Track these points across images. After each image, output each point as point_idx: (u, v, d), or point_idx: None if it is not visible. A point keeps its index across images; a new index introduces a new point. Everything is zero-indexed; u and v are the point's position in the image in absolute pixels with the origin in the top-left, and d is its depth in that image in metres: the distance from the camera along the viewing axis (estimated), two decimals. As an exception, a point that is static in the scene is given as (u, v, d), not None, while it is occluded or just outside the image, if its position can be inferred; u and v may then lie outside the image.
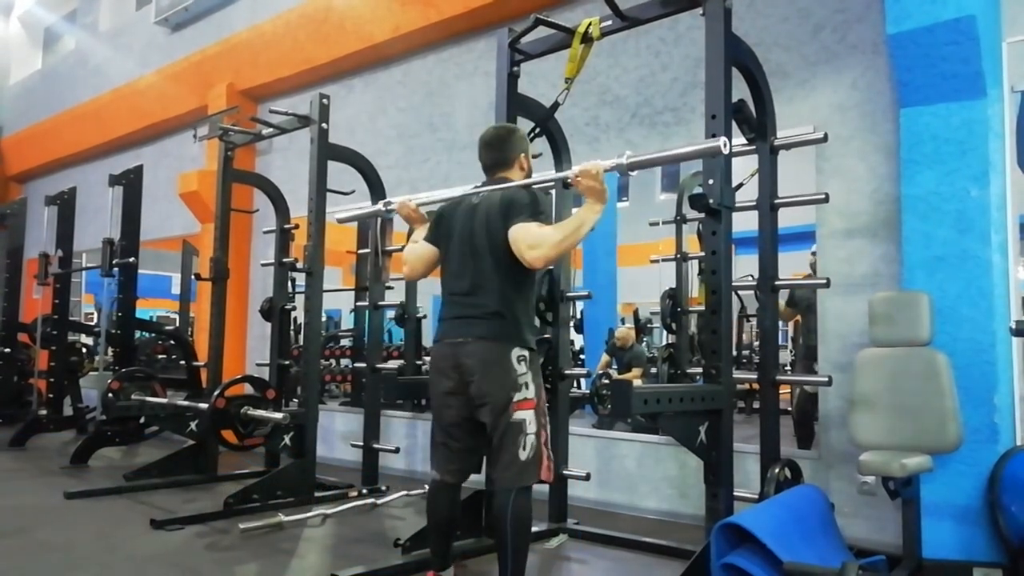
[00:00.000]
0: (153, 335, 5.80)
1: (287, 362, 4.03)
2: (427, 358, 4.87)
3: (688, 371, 3.71)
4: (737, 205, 2.32)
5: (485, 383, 1.92)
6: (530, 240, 1.88)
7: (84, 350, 5.46)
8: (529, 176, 2.16)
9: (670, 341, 4.06)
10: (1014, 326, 2.07)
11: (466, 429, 2.01)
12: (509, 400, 1.90)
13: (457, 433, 2.02)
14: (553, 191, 3.13)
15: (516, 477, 1.89)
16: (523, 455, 1.89)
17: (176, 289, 6.97)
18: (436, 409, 2.05)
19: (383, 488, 3.54)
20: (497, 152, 2.11)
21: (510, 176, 2.09)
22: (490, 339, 1.93)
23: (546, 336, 2.88)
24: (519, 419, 1.90)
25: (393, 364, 3.93)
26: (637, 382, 3.06)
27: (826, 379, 2.45)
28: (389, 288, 3.87)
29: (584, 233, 1.89)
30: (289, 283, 4.23)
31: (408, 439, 4.10)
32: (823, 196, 2.48)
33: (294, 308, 4.18)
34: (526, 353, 1.96)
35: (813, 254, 2.96)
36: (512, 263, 1.94)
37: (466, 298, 2.00)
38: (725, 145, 1.77)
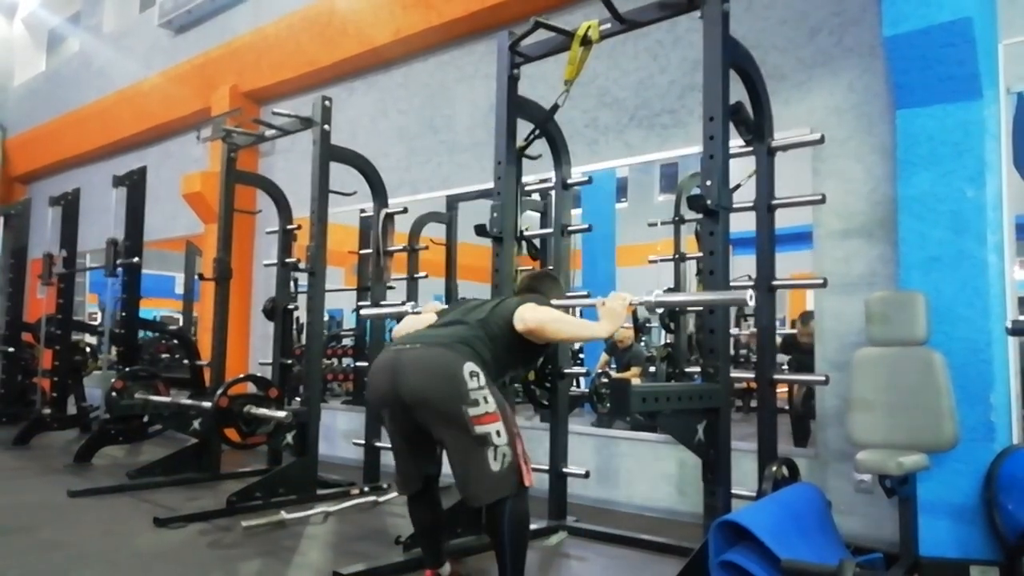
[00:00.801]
0: (157, 334, 5.82)
1: (289, 361, 4.06)
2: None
3: (686, 370, 3.73)
4: (735, 206, 2.34)
5: (421, 381, 1.81)
6: (537, 307, 1.97)
7: (88, 349, 5.49)
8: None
9: (668, 341, 4.08)
10: (1010, 325, 2.09)
11: (413, 438, 1.94)
12: (460, 414, 1.78)
13: (400, 443, 1.98)
14: (553, 192, 3.15)
15: (492, 490, 1.81)
16: (495, 466, 1.80)
17: (180, 289, 6.99)
18: (384, 423, 2.01)
19: (384, 486, 3.56)
20: (538, 285, 2.25)
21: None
22: (439, 347, 1.85)
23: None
24: (483, 432, 1.79)
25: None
26: (635, 381, 3.08)
27: (823, 378, 2.47)
28: (390, 288, 3.89)
29: (581, 336, 2.03)
30: (291, 283, 4.26)
31: (409, 438, 4.12)
32: (820, 197, 2.50)
33: (296, 308, 4.21)
34: (479, 371, 1.83)
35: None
36: (507, 331, 1.94)
37: (436, 327, 2.00)
38: (751, 297, 1.87)
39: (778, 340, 2.85)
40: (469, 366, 1.83)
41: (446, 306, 2.27)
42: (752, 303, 1.87)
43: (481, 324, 1.96)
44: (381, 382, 1.89)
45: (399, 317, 4.17)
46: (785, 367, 3.40)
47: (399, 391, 1.84)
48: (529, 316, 1.93)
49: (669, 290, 3.76)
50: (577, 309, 2.22)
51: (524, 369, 2.25)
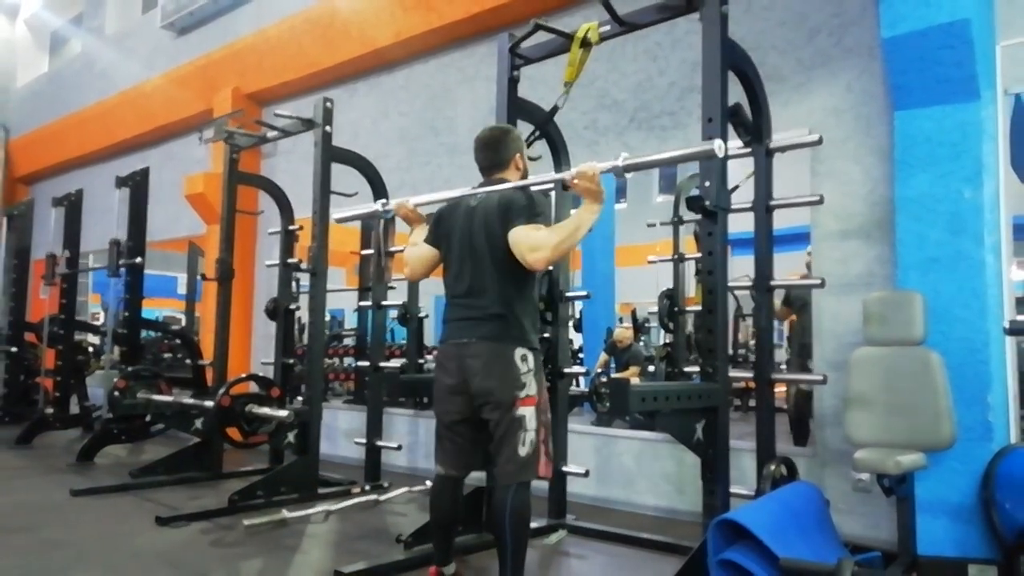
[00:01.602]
0: (159, 334, 5.84)
1: (291, 361, 4.07)
2: (429, 357, 4.93)
3: (685, 370, 3.74)
4: (733, 207, 2.35)
5: (488, 381, 1.94)
6: (530, 243, 1.91)
7: (91, 349, 5.52)
8: (525, 176, 2.19)
9: (667, 340, 4.09)
10: (1007, 326, 2.10)
11: (468, 426, 2.04)
12: (513, 398, 1.93)
13: (460, 429, 2.05)
14: (552, 193, 3.17)
15: (516, 472, 1.92)
16: (522, 451, 1.91)
17: (182, 289, 7.02)
18: (440, 406, 2.08)
19: (385, 485, 3.57)
20: (493, 153, 2.13)
21: (507, 177, 2.12)
22: (493, 339, 1.96)
23: (546, 335, 2.92)
24: (520, 415, 1.92)
25: (395, 363, 3.97)
26: (635, 380, 3.09)
27: (821, 377, 2.48)
28: (391, 288, 3.91)
29: (582, 234, 1.92)
30: (293, 283, 4.28)
31: (410, 436, 4.14)
32: (818, 198, 2.51)
33: (298, 308, 4.22)
34: (528, 352, 1.98)
35: (809, 254, 2.99)
36: (512, 265, 1.97)
37: (467, 299, 2.03)
38: (720, 148, 1.79)
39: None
40: (519, 351, 1.96)
41: (416, 201, 2.27)
42: (720, 153, 1.79)
43: (496, 281, 1.98)
44: (451, 374, 2.01)
45: (403, 312, 4.17)
46: (784, 367, 3.41)
47: (472, 388, 1.98)
48: (532, 259, 1.90)
49: (668, 290, 3.78)
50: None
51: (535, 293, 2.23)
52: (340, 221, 2.62)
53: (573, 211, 2.99)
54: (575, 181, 1.89)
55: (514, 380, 1.94)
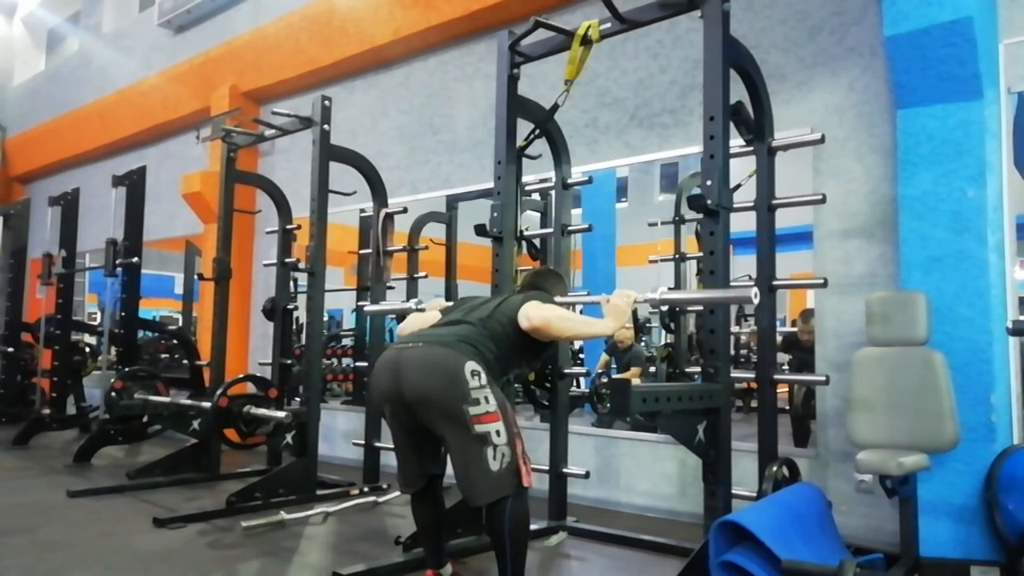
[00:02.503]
0: (156, 335, 5.82)
1: (289, 361, 4.05)
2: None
3: (687, 370, 3.72)
4: (735, 206, 2.34)
5: (422, 380, 1.81)
6: (541, 304, 1.96)
7: (87, 349, 5.50)
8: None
9: (669, 341, 4.08)
10: (1011, 326, 2.09)
11: (415, 436, 1.94)
12: (460, 412, 1.78)
13: (403, 442, 1.97)
14: (553, 192, 3.15)
15: (492, 490, 1.80)
16: (494, 466, 1.79)
17: (179, 289, 6.99)
18: (387, 421, 2.00)
19: (384, 486, 3.56)
20: (541, 281, 2.28)
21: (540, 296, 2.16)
22: (441, 345, 1.85)
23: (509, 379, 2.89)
24: (483, 431, 1.79)
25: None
26: (636, 381, 3.07)
27: (823, 378, 2.47)
28: (390, 288, 3.89)
29: (586, 334, 2.05)
30: (291, 283, 4.25)
31: (409, 438, 4.12)
32: (820, 197, 2.49)
33: (296, 308, 4.20)
34: (480, 369, 1.83)
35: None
36: (511, 329, 1.95)
37: (440, 326, 1.99)
38: (756, 295, 1.87)
39: (778, 339, 2.85)
40: (470, 365, 1.83)
41: (450, 303, 2.26)
42: (756, 300, 1.87)
43: (484, 323, 1.96)
44: (384, 380, 1.90)
45: (401, 315, 4.19)
46: (786, 367, 3.39)
47: (401, 389, 1.85)
48: (534, 314, 1.92)
49: (672, 289, 3.76)
50: (579, 306, 2.22)
51: (528, 367, 2.25)
52: (373, 314, 2.64)
53: (575, 211, 2.98)
54: (609, 299, 2.00)
55: (459, 390, 1.78)
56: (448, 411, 1.80)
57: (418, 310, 2.36)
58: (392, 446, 3.70)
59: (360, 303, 4.12)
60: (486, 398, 1.82)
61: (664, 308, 1.93)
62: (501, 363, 1.96)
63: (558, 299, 2.20)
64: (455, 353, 1.84)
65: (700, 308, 2.61)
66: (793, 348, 3.52)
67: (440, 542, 2.13)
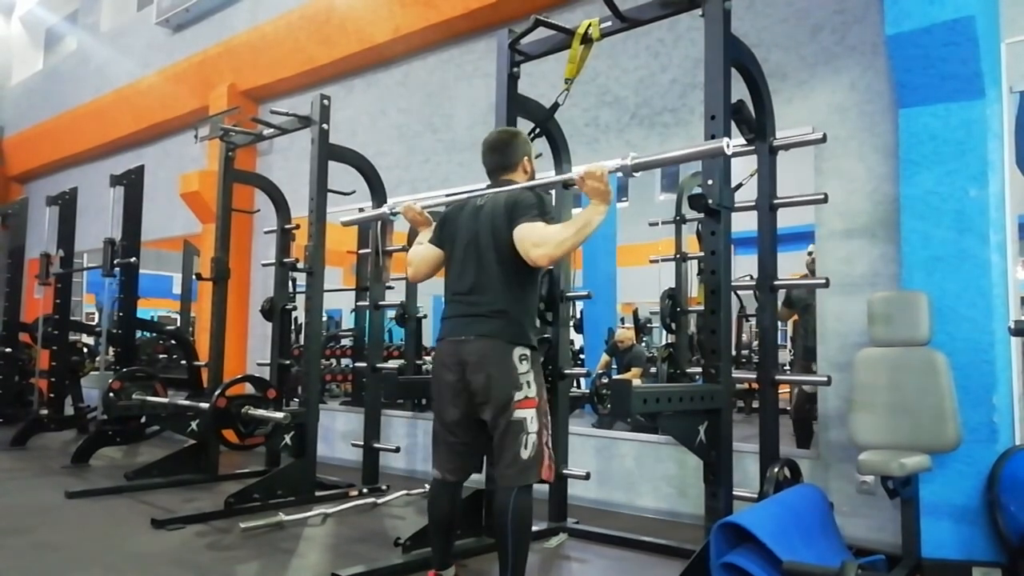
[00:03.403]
0: (154, 335, 5.80)
1: (288, 362, 4.04)
2: (427, 357, 4.89)
3: (688, 371, 3.72)
4: (736, 205, 2.33)
5: (486, 380, 1.92)
6: (535, 238, 1.89)
7: (85, 350, 5.47)
8: (532, 178, 2.18)
9: (670, 341, 4.07)
10: (1013, 326, 2.08)
11: (467, 427, 2.01)
12: (510, 398, 1.90)
13: (458, 431, 2.02)
14: (553, 191, 3.14)
15: (518, 475, 1.89)
16: (524, 454, 1.89)
17: (177, 289, 6.98)
18: (438, 406, 2.06)
19: (383, 487, 3.55)
20: (500, 156, 2.13)
21: (514, 179, 2.11)
22: (492, 337, 1.94)
23: (546, 336, 2.89)
24: (519, 417, 1.90)
25: (393, 364, 3.94)
26: (636, 382, 3.06)
27: (825, 379, 2.46)
28: (389, 288, 3.88)
29: (589, 233, 1.91)
30: (290, 283, 4.24)
31: (408, 438, 4.11)
32: (822, 196, 2.49)
33: (295, 308, 4.19)
34: (528, 352, 1.96)
35: (810, 254, 2.96)
36: (516, 263, 1.95)
37: (468, 296, 2.01)
38: (728, 146, 1.78)
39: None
40: (518, 351, 1.94)
41: (424, 203, 2.26)
42: (729, 151, 1.79)
43: (498, 280, 1.96)
44: (450, 371, 1.99)
45: (401, 312, 4.16)
46: (788, 368, 3.38)
47: (471, 387, 1.95)
48: (536, 255, 1.89)
49: (671, 290, 3.75)
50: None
51: (542, 272, 2.23)
52: (347, 224, 2.59)
53: (575, 210, 2.97)
54: (582, 180, 1.87)
55: (513, 380, 1.91)
56: (502, 400, 1.92)
57: (393, 214, 2.36)
58: (394, 446, 3.72)
59: (359, 303, 4.10)
60: (528, 383, 1.93)
61: (635, 175, 1.85)
62: (529, 296, 2.03)
63: (523, 180, 2.08)
64: (504, 343, 1.94)
65: (702, 308, 2.59)
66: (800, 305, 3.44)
67: (450, 542, 2.14)
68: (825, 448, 2.76)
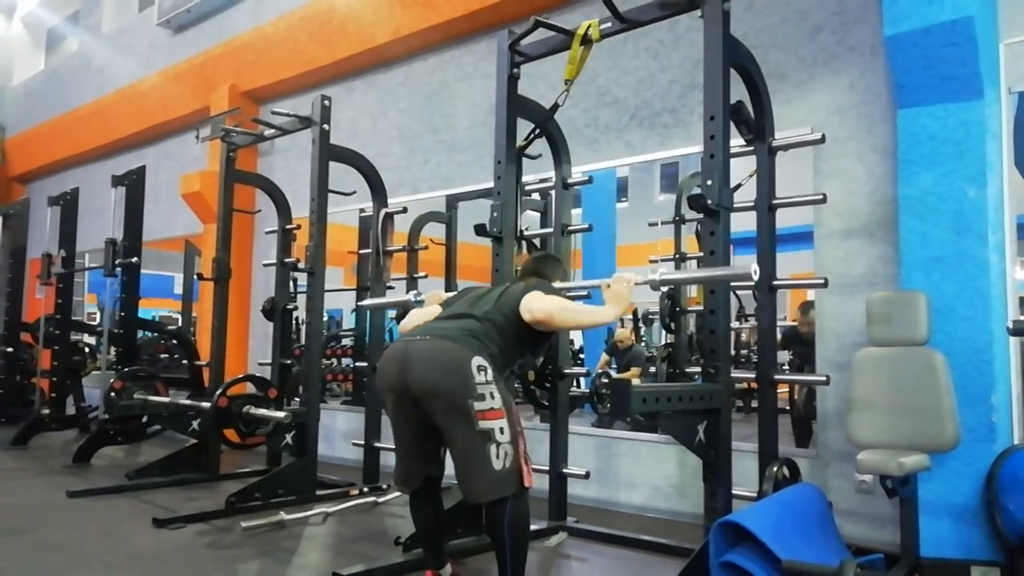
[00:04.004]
0: (156, 335, 5.81)
1: (289, 361, 4.04)
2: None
3: (687, 370, 3.72)
4: (735, 206, 2.33)
5: (430, 373, 1.81)
6: (544, 296, 1.95)
7: (87, 349, 5.48)
8: (558, 291, 2.20)
9: (669, 341, 4.07)
10: (1011, 326, 2.09)
11: (416, 430, 1.93)
12: (465, 404, 1.78)
13: (408, 435, 1.95)
14: (553, 192, 3.15)
15: (493, 488, 1.79)
16: (497, 465, 1.79)
17: (178, 289, 6.98)
18: (387, 412, 1.99)
19: (384, 487, 3.55)
20: (540, 267, 2.27)
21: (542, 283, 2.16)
22: (448, 340, 1.86)
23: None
24: (487, 428, 1.79)
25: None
26: (636, 381, 3.06)
27: (824, 378, 2.46)
28: (390, 288, 3.88)
29: (591, 323, 2.01)
30: (291, 283, 4.24)
31: (409, 438, 4.11)
32: (821, 197, 2.49)
33: (296, 308, 4.20)
34: (487, 364, 1.84)
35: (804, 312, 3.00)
36: (514, 321, 1.95)
37: (445, 319, 1.99)
38: (755, 272, 1.87)
39: (779, 335, 2.85)
40: (477, 360, 1.83)
41: (449, 294, 2.25)
42: (756, 276, 1.87)
43: (488, 315, 1.96)
44: (391, 371, 1.89)
45: (401, 313, 4.18)
46: (786, 367, 3.39)
47: (408, 381, 1.84)
48: (536, 307, 1.91)
49: (670, 290, 3.76)
50: (580, 292, 2.23)
51: (531, 357, 2.24)
52: (370, 308, 2.65)
53: (576, 210, 2.97)
54: (609, 285, 1.97)
55: (465, 384, 1.78)
56: (453, 404, 1.80)
57: (417, 303, 2.35)
58: (392, 446, 3.73)
59: (360, 303, 4.11)
60: (491, 394, 1.82)
61: (664, 289, 1.92)
62: (505, 355, 1.96)
63: (557, 284, 2.20)
64: (461, 347, 1.84)
65: (701, 308, 2.60)
66: (793, 343, 3.50)
67: (440, 543, 2.13)
68: (824, 447, 2.77)
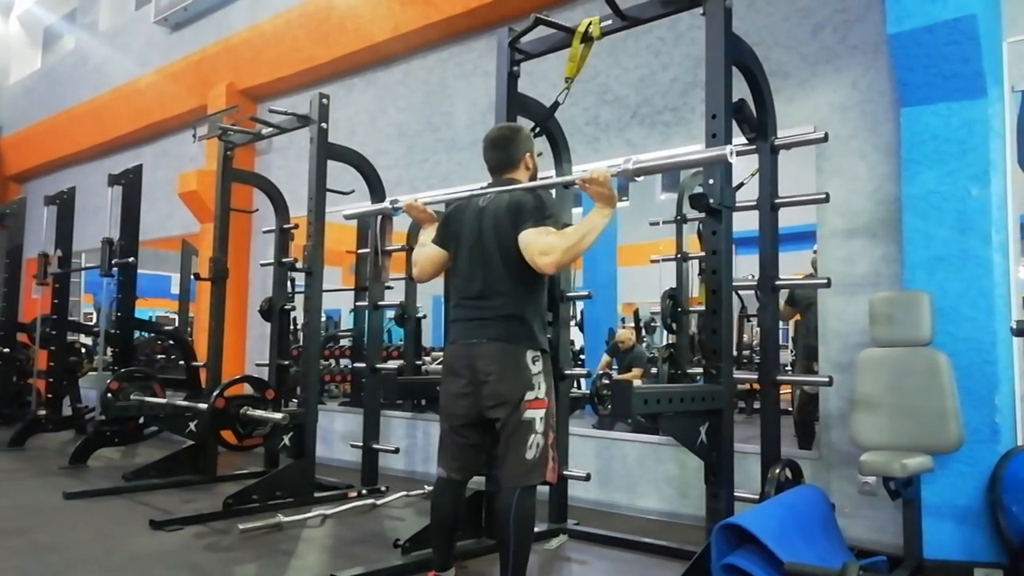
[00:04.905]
0: (152, 335, 5.79)
1: (286, 362, 4.03)
2: (427, 358, 4.87)
3: (689, 371, 3.71)
4: (737, 205, 2.32)
5: (500, 385, 1.92)
6: (541, 246, 1.89)
7: (83, 350, 5.46)
8: (535, 176, 2.17)
9: (671, 341, 4.06)
10: (1015, 326, 2.08)
11: (475, 428, 2.01)
12: (522, 397, 1.91)
13: (466, 432, 2.02)
14: (552, 191, 3.12)
15: (522, 476, 1.89)
16: (530, 455, 1.89)
17: (175, 289, 6.96)
18: (446, 408, 2.05)
19: (383, 488, 3.53)
20: (503, 152, 2.11)
21: (516, 177, 2.10)
22: (504, 340, 1.94)
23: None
24: (529, 418, 1.90)
25: (393, 364, 3.92)
26: (637, 382, 3.05)
27: (827, 379, 2.45)
28: (389, 288, 3.86)
29: (594, 238, 1.90)
30: (288, 283, 4.23)
31: (408, 439, 4.10)
32: (823, 196, 2.48)
33: (293, 308, 4.17)
34: (539, 354, 1.97)
35: (815, 252, 2.95)
36: (522, 267, 1.94)
37: (478, 301, 2.01)
38: (731, 153, 1.76)
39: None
40: (530, 353, 1.94)
41: (424, 200, 2.23)
42: (732, 159, 1.77)
43: (506, 283, 1.96)
44: (461, 374, 1.98)
45: (401, 312, 4.15)
46: (789, 368, 3.37)
47: (480, 384, 1.94)
48: (542, 263, 1.89)
49: (672, 290, 3.74)
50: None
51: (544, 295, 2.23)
52: (348, 217, 2.59)
53: (576, 210, 2.95)
54: (585, 185, 1.85)
55: (525, 380, 1.92)
56: (514, 399, 1.91)
57: (394, 211, 2.30)
58: (394, 447, 3.70)
59: (358, 303, 4.09)
60: (539, 384, 1.94)
61: (637, 179, 1.83)
62: (537, 299, 2.03)
63: (528, 172, 2.09)
64: (516, 346, 1.94)
65: (703, 308, 2.58)
66: (792, 300, 3.42)
67: (452, 543, 2.12)
68: (827, 449, 2.75)
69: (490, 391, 1.93)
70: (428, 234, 2.19)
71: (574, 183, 1.93)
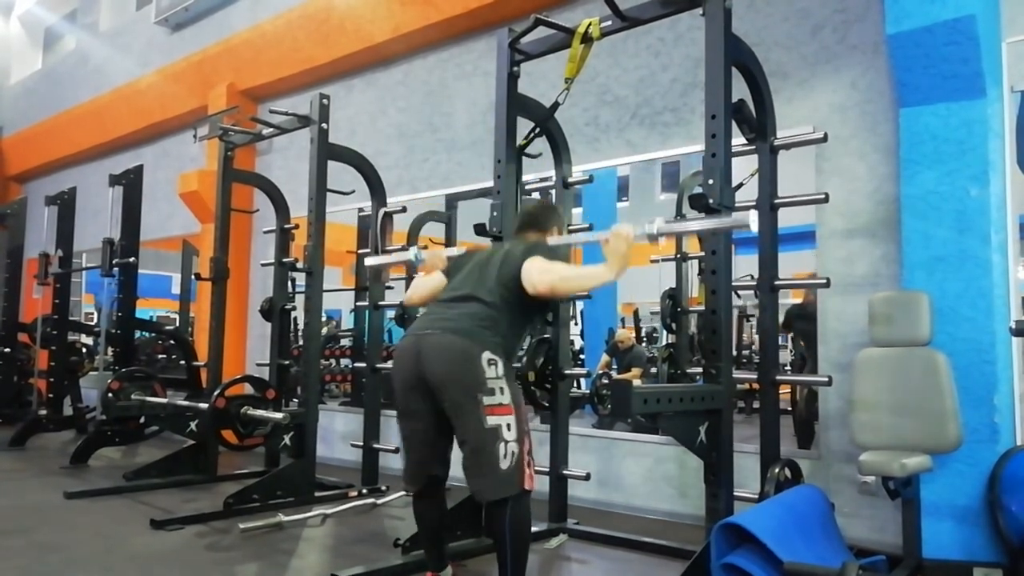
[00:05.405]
0: (153, 335, 5.80)
1: (287, 362, 4.03)
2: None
3: (688, 371, 3.71)
4: (737, 205, 2.32)
5: (444, 368, 1.84)
6: (542, 267, 1.91)
7: (84, 350, 5.46)
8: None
9: (670, 341, 4.06)
10: (1014, 326, 2.07)
11: (431, 426, 1.93)
12: (475, 398, 1.80)
13: (421, 433, 1.95)
14: (553, 191, 3.13)
15: (497, 487, 1.81)
16: (503, 464, 1.79)
17: (176, 289, 6.96)
18: (399, 408, 1.98)
19: (383, 488, 3.54)
20: (535, 219, 2.21)
21: (541, 238, 2.15)
22: (459, 334, 1.87)
23: (546, 336, 2.88)
24: (494, 424, 1.80)
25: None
26: (637, 382, 3.05)
27: (826, 379, 2.45)
28: (389, 288, 3.87)
29: (592, 286, 1.95)
30: (289, 283, 4.23)
31: (408, 439, 4.10)
32: (823, 196, 2.48)
33: (294, 308, 4.18)
34: (497, 359, 1.86)
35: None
36: (517, 293, 1.93)
37: (451, 303, 1.98)
38: (754, 222, 1.82)
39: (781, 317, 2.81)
40: (487, 354, 1.85)
41: (450, 253, 2.25)
42: (755, 227, 1.82)
43: (492, 296, 1.94)
44: (406, 364, 1.92)
45: (401, 312, 4.16)
46: (788, 368, 3.37)
47: (424, 372, 1.87)
48: (537, 279, 1.89)
49: (671, 290, 3.74)
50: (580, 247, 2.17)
51: (538, 320, 2.25)
52: (370, 267, 2.63)
53: (576, 210, 2.95)
54: (607, 240, 1.90)
55: (476, 378, 1.81)
56: (464, 397, 1.83)
57: (418, 260, 2.33)
58: (394, 447, 3.71)
59: (359, 303, 4.09)
60: (501, 389, 1.84)
61: (662, 241, 1.88)
62: (514, 336, 1.99)
63: (554, 239, 2.15)
64: (472, 342, 1.87)
65: (702, 308, 2.59)
66: (798, 320, 3.41)
67: (442, 544, 2.12)
68: (826, 449, 2.76)
69: (433, 377, 1.84)
70: (430, 277, 2.20)
71: (598, 240, 1.97)
